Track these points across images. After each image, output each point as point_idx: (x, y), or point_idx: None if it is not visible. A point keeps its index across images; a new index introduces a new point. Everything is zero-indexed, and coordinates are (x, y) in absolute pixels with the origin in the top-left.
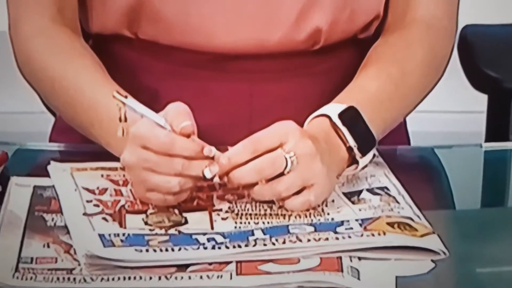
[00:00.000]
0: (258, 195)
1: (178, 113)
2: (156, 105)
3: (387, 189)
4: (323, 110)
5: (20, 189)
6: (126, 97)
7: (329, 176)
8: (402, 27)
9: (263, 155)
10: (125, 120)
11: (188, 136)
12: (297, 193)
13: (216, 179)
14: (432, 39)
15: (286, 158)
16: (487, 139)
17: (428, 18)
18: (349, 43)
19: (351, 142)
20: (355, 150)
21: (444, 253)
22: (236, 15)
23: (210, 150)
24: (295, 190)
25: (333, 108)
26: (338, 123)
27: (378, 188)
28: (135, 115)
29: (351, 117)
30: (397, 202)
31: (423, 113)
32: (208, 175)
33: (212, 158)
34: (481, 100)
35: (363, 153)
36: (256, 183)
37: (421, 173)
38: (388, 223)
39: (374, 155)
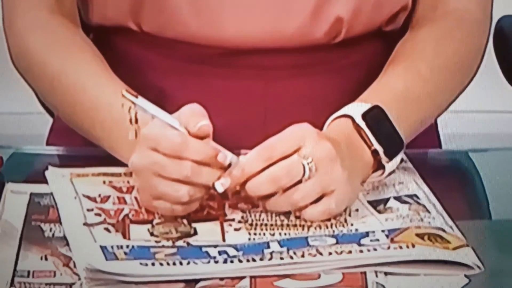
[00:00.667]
0: (273, 206)
1: (194, 113)
2: (162, 104)
3: (417, 197)
4: (345, 110)
5: (16, 196)
6: (136, 96)
7: (351, 182)
8: (432, 21)
9: (279, 162)
10: (136, 121)
11: (205, 137)
12: (316, 201)
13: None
14: (464, 33)
15: (303, 165)
16: None
17: (460, 11)
18: (373, 36)
19: (376, 145)
20: (381, 154)
21: (479, 267)
22: (248, 4)
23: (225, 156)
24: (314, 199)
25: (356, 108)
26: (362, 124)
27: (406, 196)
28: (146, 116)
29: (375, 117)
30: (428, 211)
31: (456, 113)
32: (220, 189)
33: (228, 165)
34: None
35: (390, 157)
36: (273, 194)
37: (454, 180)
38: (417, 235)
39: (402, 160)
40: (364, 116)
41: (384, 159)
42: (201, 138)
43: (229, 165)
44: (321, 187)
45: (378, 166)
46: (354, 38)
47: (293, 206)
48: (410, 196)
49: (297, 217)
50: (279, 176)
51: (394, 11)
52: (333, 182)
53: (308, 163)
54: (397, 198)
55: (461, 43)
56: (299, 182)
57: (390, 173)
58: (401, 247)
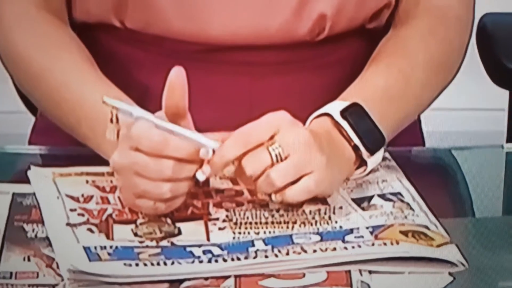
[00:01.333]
0: (257, 189)
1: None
2: (148, 101)
3: (401, 194)
4: (324, 109)
5: None
6: (117, 109)
7: (331, 167)
8: (414, 18)
9: (256, 148)
10: (117, 121)
11: (184, 115)
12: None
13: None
14: (446, 30)
15: (269, 151)
16: (509, 139)
17: (443, 7)
18: (357, 33)
19: (356, 140)
20: (361, 148)
21: (463, 264)
22: (233, 1)
23: (207, 152)
24: (291, 179)
25: (335, 106)
26: (340, 121)
27: (390, 193)
28: (128, 118)
29: (354, 114)
30: (412, 209)
31: (439, 111)
32: (201, 178)
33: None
34: (502, 97)
35: (371, 152)
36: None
37: (437, 177)
38: (401, 232)
39: (385, 158)
40: (343, 113)
41: (365, 153)
42: (178, 115)
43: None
44: (296, 167)
45: (361, 162)
46: (338, 35)
47: (273, 187)
48: (394, 194)
49: (280, 204)
50: (248, 165)
51: (377, 8)
52: (310, 164)
53: (274, 149)
54: (381, 196)
55: (444, 40)
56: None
57: (373, 171)
58: (385, 244)
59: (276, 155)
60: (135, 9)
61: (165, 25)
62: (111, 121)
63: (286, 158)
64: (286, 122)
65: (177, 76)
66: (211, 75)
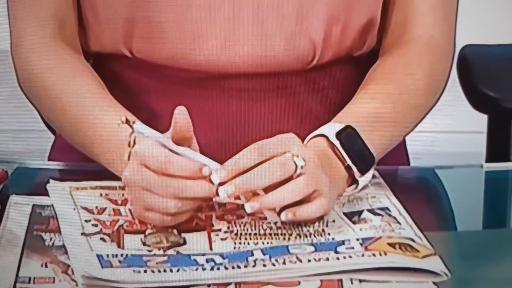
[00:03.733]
0: (266, 203)
1: (173, 120)
2: (155, 124)
3: (388, 209)
4: (320, 130)
5: (19, 207)
6: (134, 122)
7: (331, 188)
8: (399, 47)
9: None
10: (134, 145)
11: (190, 140)
12: (303, 202)
13: (220, 189)
14: (430, 59)
15: (295, 162)
16: (488, 160)
17: (426, 38)
18: (345, 61)
19: (349, 161)
20: (354, 169)
21: (446, 274)
22: (232, 32)
23: (209, 170)
24: (307, 194)
25: (330, 128)
26: (336, 142)
27: (379, 208)
28: (141, 137)
29: (348, 136)
30: (398, 222)
31: (423, 133)
32: (216, 181)
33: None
34: (481, 121)
35: (362, 172)
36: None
37: (422, 194)
38: (389, 244)
39: (374, 176)
40: (338, 135)
41: (357, 174)
42: (184, 140)
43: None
44: (312, 185)
45: (352, 181)
46: (328, 63)
47: (287, 201)
48: (382, 209)
49: (287, 222)
50: (275, 168)
51: (362, 36)
52: (320, 184)
53: (299, 161)
54: (370, 211)
55: (428, 67)
56: (290, 179)
57: (363, 188)
58: (374, 255)
59: (301, 166)
60: (142, 41)
61: (168, 54)
62: (129, 144)
63: (301, 174)
64: (296, 142)
65: (181, 114)
66: (209, 100)
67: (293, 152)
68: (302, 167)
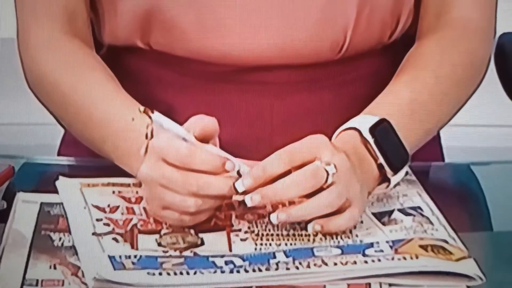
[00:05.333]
0: (294, 215)
1: (198, 118)
2: (172, 119)
3: (420, 209)
4: (352, 122)
5: (26, 205)
6: (153, 111)
7: (362, 193)
8: (436, 30)
9: (300, 168)
10: (152, 137)
11: (210, 136)
12: (334, 213)
13: (246, 198)
14: (469, 43)
15: (326, 171)
16: None
17: (464, 19)
18: (377, 50)
19: (382, 160)
20: (386, 168)
21: (481, 278)
22: (253, 23)
23: (233, 165)
24: (339, 205)
25: (364, 121)
26: (369, 138)
27: (410, 208)
28: (158, 129)
29: (382, 131)
30: (431, 223)
31: (458, 127)
32: (241, 189)
33: (238, 174)
34: None
35: (395, 171)
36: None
37: (456, 192)
38: (421, 246)
39: (406, 172)
40: (371, 130)
41: (389, 172)
42: (209, 137)
43: (238, 173)
44: (344, 195)
45: (383, 178)
46: (357, 53)
47: (318, 213)
48: (414, 208)
49: (316, 233)
50: (305, 179)
51: (393, 17)
52: (352, 193)
53: (331, 169)
54: (401, 210)
55: (466, 52)
56: (320, 190)
57: (394, 186)
58: (405, 258)
59: (332, 175)
60: (160, 32)
61: (188, 47)
62: (146, 136)
63: (332, 183)
64: (327, 146)
65: (213, 124)
66: (231, 94)
67: (324, 159)
68: (333, 175)
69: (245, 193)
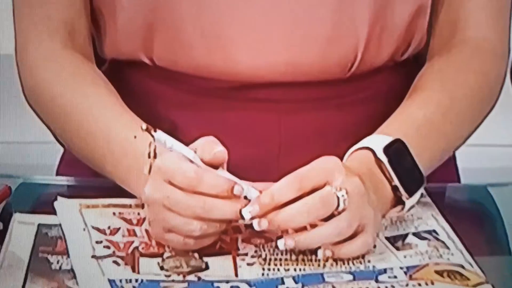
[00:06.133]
0: (303, 242)
1: (208, 142)
2: (175, 138)
3: (436, 232)
4: (366, 142)
5: (23, 227)
6: (155, 130)
7: (376, 217)
8: (449, 50)
9: (310, 193)
10: (154, 156)
11: (220, 164)
12: (346, 238)
13: (254, 222)
14: (483, 63)
15: (338, 197)
16: None
17: (478, 39)
18: (387, 69)
19: (397, 182)
20: (401, 191)
21: None
22: (261, 38)
23: (241, 189)
24: (351, 232)
25: (378, 141)
26: (383, 158)
27: (425, 231)
28: (162, 148)
29: (397, 152)
30: (447, 247)
31: (475, 147)
32: (247, 217)
33: (245, 198)
34: None
35: (410, 194)
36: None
37: (473, 214)
38: (436, 271)
39: (421, 195)
40: (386, 150)
41: (404, 195)
42: (216, 165)
43: (245, 198)
44: (356, 222)
45: (397, 201)
46: (368, 71)
47: (329, 241)
48: (429, 232)
49: (327, 258)
50: (315, 206)
51: (407, 33)
52: (365, 218)
53: (342, 195)
54: (416, 234)
55: (481, 73)
56: (330, 216)
57: (409, 209)
58: (419, 285)
59: (344, 201)
60: (163, 47)
61: (193, 62)
62: (149, 155)
63: (344, 210)
64: (339, 170)
65: (224, 154)
66: (238, 113)
67: (336, 184)
68: (345, 201)
69: (252, 218)
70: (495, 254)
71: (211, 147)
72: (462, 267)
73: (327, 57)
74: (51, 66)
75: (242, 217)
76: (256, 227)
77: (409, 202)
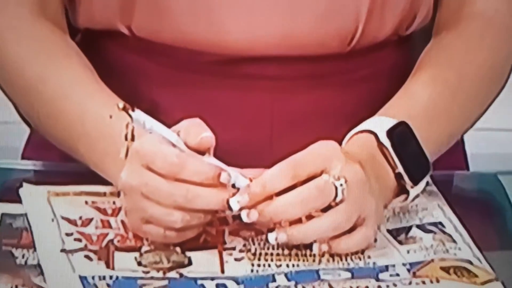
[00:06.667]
0: (297, 236)
1: (194, 126)
2: (156, 117)
3: (442, 225)
4: (367, 125)
5: None
6: (133, 109)
7: (378, 208)
8: (457, 25)
9: (306, 182)
10: (132, 138)
11: (206, 150)
12: (346, 232)
13: (243, 213)
14: (493, 39)
15: (336, 186)
16: None
17: (489, 12)
18: (390, 44)
19: (401, 169)
20: (406, 178)
21: None
22: (254, 5)
23: (228, 176)
24: (349, 227)
25: (381, 124)
26: (387, 143)
27: (430, 224)
28: (140, 130)
29: (402, 136)
30: (454, 241)
31: (485, 132)
32: (235, 207)
33: (233, 187)
34: None
35: (415, 182)
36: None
37: (482, 205)
38: (442, 268)
39: (427, 183)
40: (389, 133)
41: (408, 184)
42: (202, 152)
43: (233, 186)
44: (355, 215)
45: (401, 190)
46: (370, 46)
47: (326, 235)
48: (435, 224)
49: (323, 253)
50: (311, 197)
51: (411, 10)
52: (365, 209)
53: (340, 185)
54: (420, 227)
55: (491, 50)
56: (327, 208)
57: (413, 199)
58: (424, 283)
59: (342, 192)
60: (144, 14)
61: (177, 32)
62: (126, 137)
63: (342, 200)
64: (338, 156)
65: (211, 140)
66: (226, 91)
67: (334, 172)
68: (343, 191)
69: (241, 209)
70: (505, 248)
71: (196, 130)
72: (470, 263)
73: (324, 29)
74: (19, 35)
75: (230, 208)
76: (245, 218)
77: (414, 191)
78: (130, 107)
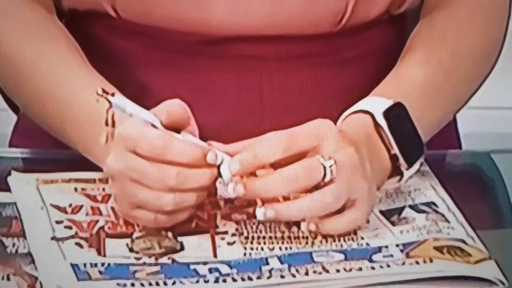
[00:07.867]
0: (285, 214)
1: (167, 104)
2: (144, 100)
3: (435, 204)
4: (363, 104)
5: None
6: (113, 94)
7: (370, 191)
8: (448, 4)
9: (297, 158)
10: (113, 124)
11: (181, 126)
12: (335, 212)
13: (229, 186)
14: (484, 18)
15: (324, 166)
16: None
17: None
18: (380, 23)
19: (397, 151)
20: (401, 160)
21: (503, 283)
22: None
23: (215, 156)
24: (338, 207)
25: (377, 104)
26: (383, 124)
27: (423, 204)
28: (123, 114)
29: (398, 117)
30: (447, 220)
31: (477, 110)
32: (226, 174)
33: (219, 167)
34: None
35: (410, 164)
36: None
37: (475, 184)
38: (435, 248)
39: (420, 164)
40: (386, 114)
41: (404, 165)
42: (177, 130)
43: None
44: (345, 196)
45: (395, 171)
46: (359, 25)
47: (312, 214)
48: (427, 204)
49: (310, 232)
50: (299, 176)
51: None
52: (356, 191)
53: (330, 166)
54: (413, 207)
55: (482, 29)
56: (317, 188)
57: (407, 180)
58: (417, 263)
59: (331, 172)
60: None
61: (163, 13)
62: (106, 123)
63: (331, 181)
64: (332, 136)
65: (181, 110)
66: (214, 71)
67: (325, 152)
68: (332, 171)
69: (233, 175)
70: (498, 227)
71: (171, 109)
72: (464, 242)
73: (314, 8)
74: (6, 17)
75: (220, 175)
76: (230, 192)
77: (408, 172)
78: (109, 93)
